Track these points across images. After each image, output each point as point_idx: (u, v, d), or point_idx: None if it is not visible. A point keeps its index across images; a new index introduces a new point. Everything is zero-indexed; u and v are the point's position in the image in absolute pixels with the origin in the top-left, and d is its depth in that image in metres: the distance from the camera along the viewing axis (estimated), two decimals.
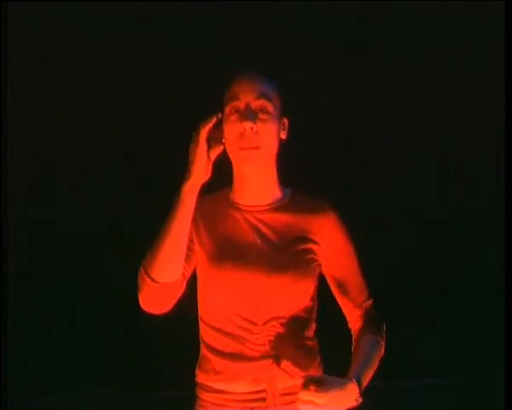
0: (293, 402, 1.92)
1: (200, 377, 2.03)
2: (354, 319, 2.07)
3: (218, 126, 1.94)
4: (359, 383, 1.91)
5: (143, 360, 3.79)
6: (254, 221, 2.01)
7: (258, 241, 1.99)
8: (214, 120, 1.92)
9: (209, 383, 2.00)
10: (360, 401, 1.91)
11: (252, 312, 1.96)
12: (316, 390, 1.83)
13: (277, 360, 1.95)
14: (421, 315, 3.87)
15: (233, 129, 1.95)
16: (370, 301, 2.08)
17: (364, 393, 1.92)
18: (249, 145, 1.94)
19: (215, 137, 1.93)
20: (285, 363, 1.95)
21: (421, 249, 3.94)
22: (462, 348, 3.90)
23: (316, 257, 2.02)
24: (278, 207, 2.03)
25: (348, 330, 2.10)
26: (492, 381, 3.18)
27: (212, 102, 2.01)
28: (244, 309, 1.96)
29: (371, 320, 2.06)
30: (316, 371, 2.01)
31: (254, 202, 2.03)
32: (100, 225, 3.78)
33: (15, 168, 3.45)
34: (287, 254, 1.98)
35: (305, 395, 1.83)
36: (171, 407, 2.08)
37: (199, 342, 2.06)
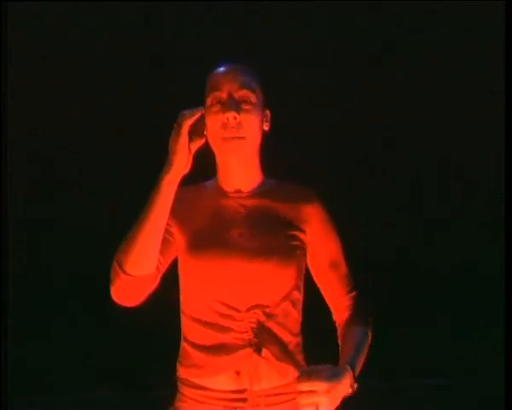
0: (278, 404, 1.91)
1: (182, 372, 1.99)
2: (340, 310, 2.04)
3: (200, 118, 1.90)
4: (353, 370, 1.88)
5: (143, 360, 3.79)
6: (238, 207, 1.99)
7: (243, 226, 1.96)
8: (198, 114, 1.88)
9: (190, 378, 1.96)
10: (355, 387, 1.88)
11: (235, 298, 1.92)
12: (315, 379, 1.79)
13: (258, 349, 1.91)
14: (421, 315, 3.87)
15: (215, 120, 1.92)
16: (357, 292, 2.05)
17: (364, 390, 1.90)
18: (232, 135, 1.91)
19: (196, 129, 1.89)
20: (265, 351, 1.91)
21: (421, 249, 3.94)
22: (462, 348, 3.90)
23: (302, 245, 1.99)
24: (262, 192, 2.01)
25: (332, 327, 2.07)
26: (492, 381, 3.18)
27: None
28: (227, 295, 1.92)
29: (358, 311, 2.03)
30: (298, 366, 1.95)
31: (238, 188, 2.00)
32: (100, 225, 3.78)
33: (15, 168, 3.45)
34: (271, 239, 1.94)
35: (304, 386, 1.79)
36: (172, 406, 2.07)
37: None
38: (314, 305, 2.05)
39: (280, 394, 1.93)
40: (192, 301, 1.98)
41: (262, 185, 2.02)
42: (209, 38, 3.72)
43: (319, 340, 2.21)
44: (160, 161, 1.88)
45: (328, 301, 2.07)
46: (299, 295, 2.00)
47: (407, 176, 3.91)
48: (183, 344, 2.00)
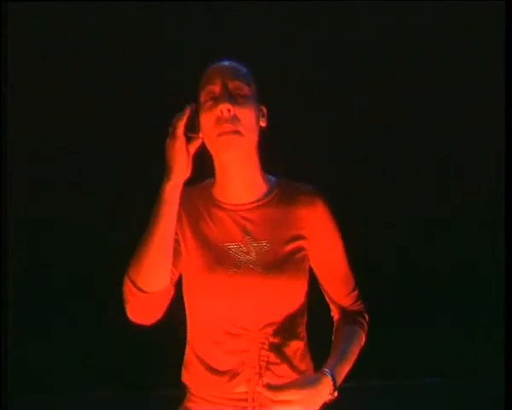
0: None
1: (186, 378, 1.96)
2: (338, 309, 2.03)
3: (194, 118, 1.82)
4: (333, 378, 1.85)
5: (143, 360, 3.79)
6: (242, 221, 1.92)
7: (248, 242, 1.90)
8: (188, 110, 1.80)
9: (197, 386, 1.94)
10: (335, 395, 1.85)
11: (245, 318, 1.87)
12: (289, 388, 1.78)
13: (263, 370, 1.87)
14: (421, 315, 3.87)
15: (209, 116, 1.84)
16: (356, 292, 2.04)
17: (364, 390, 1.90)
18: (228, 130, 1.83)
19: (192, 129, 1.81)
20: (271, 374, 1.87)
21: (421, 249, 3.94)
22: (462, 348, 3.90)
23: (306, 253, 1.95)
24: (265, 203, 1.95)
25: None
26: (492, 381, 3.18)
27: None
28: (237, 315, 1.87)
29: (354, 310, 2.02)
30: (307, 371, 1.95)
31: (239, 199, 1.94)
32: (100, 225, 3.78)
33: (15, 168, 3.45)
34: (279, 254, 1.89)
35: (278, 396, 1.77)
36: (172, 406, 2.06)
37: None
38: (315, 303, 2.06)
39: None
40: (200, 316, 1.93)
41: (264, 193, 1.95)
42: (209, 37, 3.71)
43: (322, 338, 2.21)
44: (159, 161, 1.86)
45: (328, 300, 2.06)
46: (305, 301, 1.97)
47: (407, 176, 3.91)
48: (190, 353, 1.96)
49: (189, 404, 1.97)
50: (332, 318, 2.09)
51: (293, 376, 1.89)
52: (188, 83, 2.01)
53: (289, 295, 1.90)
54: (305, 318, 1.99)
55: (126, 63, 3.76)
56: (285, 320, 1.90)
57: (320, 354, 2.01)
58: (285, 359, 1.90)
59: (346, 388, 1.95)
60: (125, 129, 3.76)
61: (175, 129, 1.78)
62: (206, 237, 1.92)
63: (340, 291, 2.03)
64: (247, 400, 1.88)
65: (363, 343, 2.02)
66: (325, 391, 1.84)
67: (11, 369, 3.07)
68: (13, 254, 3.35)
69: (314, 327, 2.04)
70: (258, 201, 1.95)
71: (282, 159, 2.05)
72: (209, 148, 1.90)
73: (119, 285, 1.89)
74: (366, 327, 2.04)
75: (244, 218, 1.93)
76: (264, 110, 1.95)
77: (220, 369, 1.89)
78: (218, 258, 1.88)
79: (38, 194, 3.83)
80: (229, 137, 1.84)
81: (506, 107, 2.51)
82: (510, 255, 2.38)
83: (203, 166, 1.95)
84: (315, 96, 3.77)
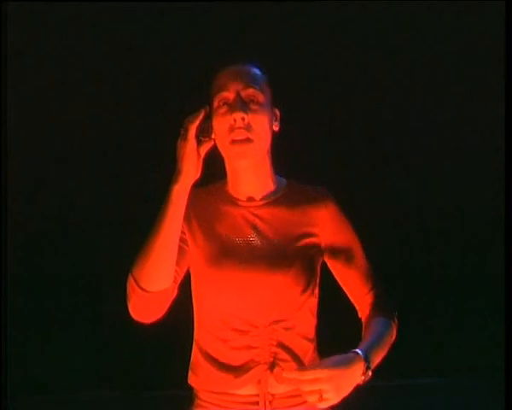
0: (297, 405, 1.86)
1: (195, 383, 1.94)
2: (364, 307, 1.98)
3: (207, 120, 1.82)
4: (366, 357, 1.78)
5: (143, 360, 3.79)
6: (251, 218, 1.92)
7: (258, 238, 1.90)
8: (202, 114, 1.80)
9: (205, 387, 1.92)
10: (369, 376, 1.78)
11: (254, 314, 1.87)
12: (317, 366, 1.73)
13: (272, 367, 1.86)
14: (422, 315, 3.86)
15: (223, 122, 1.84)
16: (379, 288, 1.99)
17: (364, 390, 1.83)
18: (241, 138, 1.83)
19: (204, 133, 1.81)
20: (278, 370, 1.85)
21: (422, 249, 3.93)
22: (462, 348, 3.90)
23: (317, 251, 1.94)
24: (275, 200, 1.95)
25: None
26: (492, 381, 3.18)
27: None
28: (246, 311, 1.86)
29: (381, 306, 1.96)
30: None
31: (250, 195, 1.94)
32: (100, 225, 3.78)
33: (15, 168, 3.45)
34: (288, 251, 1.89)
35: (306, 374, 1.71)
36: (172, 406, 2.06)
37: None
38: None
39: (299, 395, 1.82)
40: (208, 314, 1.92)
41: (274, 192, 1.96)
42: (209, 37, 3.71)
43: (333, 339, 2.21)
44: (160, 161, 1.86)
45: (352, 300, 2.02)
46: (315, 300, 1.95)
47: (407, 176, 3.91)
48: (197, 354, 1.95)
49: (196, 409, 1.94)
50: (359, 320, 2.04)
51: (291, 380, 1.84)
52: (188, 83, 2.00)
53: (296, 292, 1.88)
54: (315, 320, 1.97)
55: (126, 63, 3.76)
56: (294, 319, 1.89)
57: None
58: (295, 357, 1.89)
59: None
60: (125, 129, 3.76)
61: (186, 131, 1.78)
62: (214, 232, 1.92)
63: (361, 289, 1.99)
64: (257, 403, 1.87)
65: (393, 338, 1.96)
66: (357, 372, 1.76)
67: (11, 369, 3.07)
68: (13, 254, 3.35)
69: (321, 331, 2.03)
70: (267, 197, 1.95)
71: (282, 159, 2.04)
72: (221, 151, 1.90)
73: (120, 285, 1.89)
74: (397, 322, 1.98)
75: (254, 214, 1.93)
76: (278, 113, 1.95)
77: (229, 365, 1.88)
78: (226, 253, 1.88)
79: (38, 194, 3.83)
80: (242, 145, 1.84)
81: (506, 107, 2.51)
82: (510, 255, 2.38)
83: (213, 167, 1.94)
84: (315, 95, 3.77)
